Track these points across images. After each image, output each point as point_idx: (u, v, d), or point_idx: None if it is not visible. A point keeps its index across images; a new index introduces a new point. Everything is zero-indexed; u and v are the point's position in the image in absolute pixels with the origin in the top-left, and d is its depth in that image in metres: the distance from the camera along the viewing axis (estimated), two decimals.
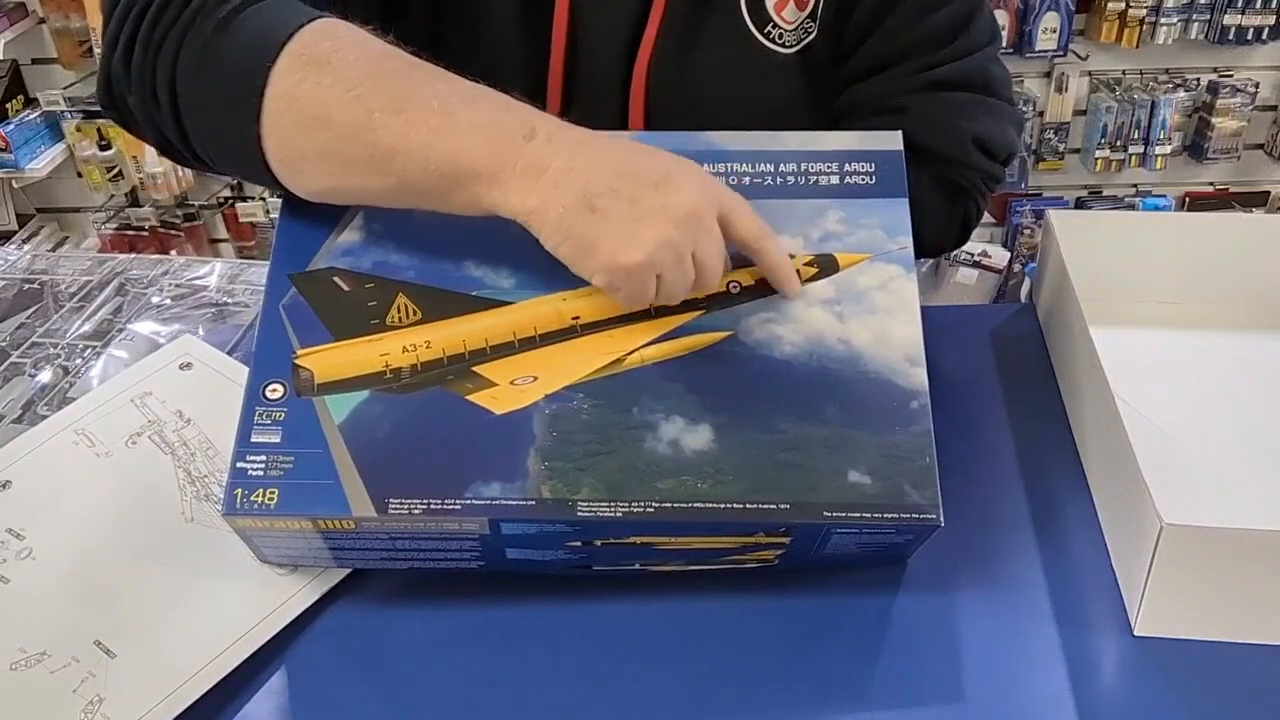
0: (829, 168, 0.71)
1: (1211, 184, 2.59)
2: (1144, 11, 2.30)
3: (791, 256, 0.68)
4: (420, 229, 0.68)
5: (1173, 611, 0.64)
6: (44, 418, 0.79)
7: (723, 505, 0.61)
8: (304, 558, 0.66)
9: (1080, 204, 2.59)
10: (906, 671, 0.63)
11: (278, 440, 0.62)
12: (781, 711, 0.61)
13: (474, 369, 0.65)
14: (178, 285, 0.99)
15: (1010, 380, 0.86)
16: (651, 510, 0.61)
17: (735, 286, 0.68)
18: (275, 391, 0.64)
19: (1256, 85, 2.42)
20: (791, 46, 0.84)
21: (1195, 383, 0.86)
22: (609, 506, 0.61)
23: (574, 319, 0.66)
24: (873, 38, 0.83)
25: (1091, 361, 0.74)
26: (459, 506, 0.61)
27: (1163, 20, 2.31)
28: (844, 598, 0.68)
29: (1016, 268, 2.52)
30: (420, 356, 0.65)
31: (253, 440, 0.63)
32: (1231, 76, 2.43)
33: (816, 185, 0.71)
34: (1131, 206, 2.57)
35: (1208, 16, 2.33)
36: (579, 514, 0.61)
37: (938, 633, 0.65)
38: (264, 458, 0.62)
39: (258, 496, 0.61)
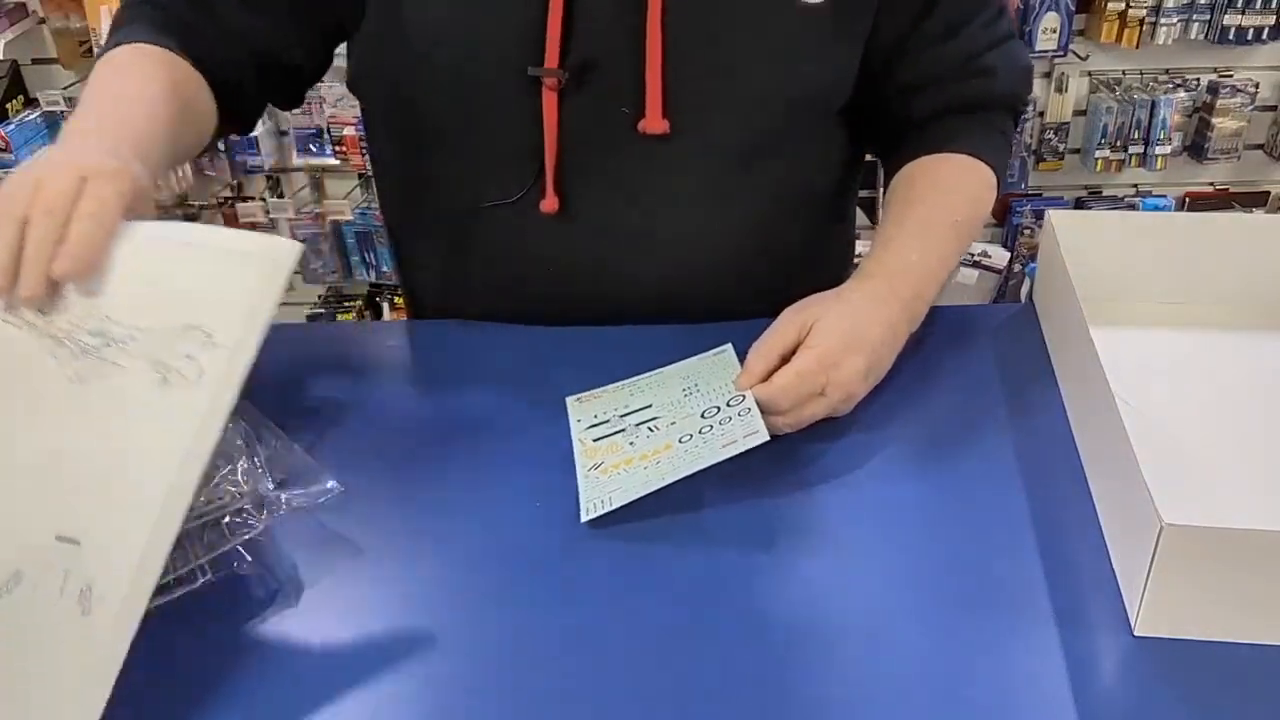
0: None
1: (1211, 184, 2.58)
2: (1144, 11, 2.29)
3: None
4: None
5: (1173, 611, 0.64)
6: None
7: None
8: None
9: (1080, 204, 2.58)
10: (907, 671, 0.63)
11: None
12: (782, 713, 0.62)
13: None
14: None
15: (1010, 380, 0.86)
16: None
17: None
18: None
19: (1256, 85, 2.41)
20: None
21: (1195, 383, 0.86)
22: None
23: None
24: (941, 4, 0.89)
25: (1091, 361, 0.74)
26: None
27: (1163, 20, 2.31)
28: (844, 596, 0.68)
29: (1016, 268, 2.52)
30: None
31: None
32: (1231, 76, 2.42)
33: None
34: (1132, 206, 2.56)
35: (1208, 16, 2.33)
36: None
37: (938, 632, 0.66)
38: None
39: None
